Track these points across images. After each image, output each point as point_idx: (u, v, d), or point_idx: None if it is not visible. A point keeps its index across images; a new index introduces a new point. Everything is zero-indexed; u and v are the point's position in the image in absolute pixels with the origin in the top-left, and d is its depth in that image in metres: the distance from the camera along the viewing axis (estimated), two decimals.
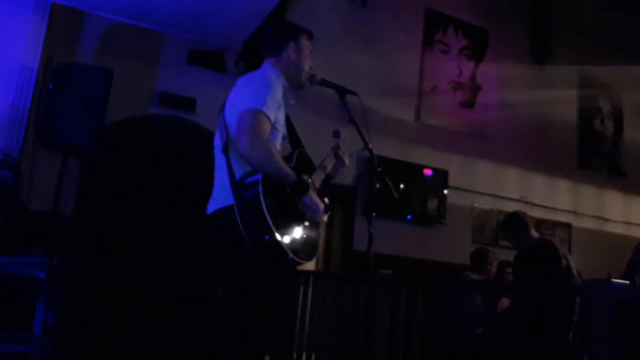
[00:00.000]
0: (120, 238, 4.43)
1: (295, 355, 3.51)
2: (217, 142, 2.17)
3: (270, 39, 2.33)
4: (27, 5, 3.58)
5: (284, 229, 1.94)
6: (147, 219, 4.54)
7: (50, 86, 3.51)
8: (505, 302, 3.80)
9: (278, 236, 1.88)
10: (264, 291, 2.06)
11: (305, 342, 3.54)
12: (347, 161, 2.44)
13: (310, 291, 3.59)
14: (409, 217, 5.79)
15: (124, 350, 4.12)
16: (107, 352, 4.05)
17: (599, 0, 6.61)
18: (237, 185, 1.97)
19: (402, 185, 5.65)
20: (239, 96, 2.11)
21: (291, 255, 1.91)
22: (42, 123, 3.56)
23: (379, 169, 2.42)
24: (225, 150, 2.07)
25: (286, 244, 1.90)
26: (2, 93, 3.41)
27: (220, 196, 2.08)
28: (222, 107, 2.20)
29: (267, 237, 1.87)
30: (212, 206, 2.13)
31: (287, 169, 2.03)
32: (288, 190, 2.04)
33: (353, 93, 2.41)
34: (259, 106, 2.00)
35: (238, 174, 2.00)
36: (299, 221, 2.06)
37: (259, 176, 1.94)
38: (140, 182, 4.61)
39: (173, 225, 4.54)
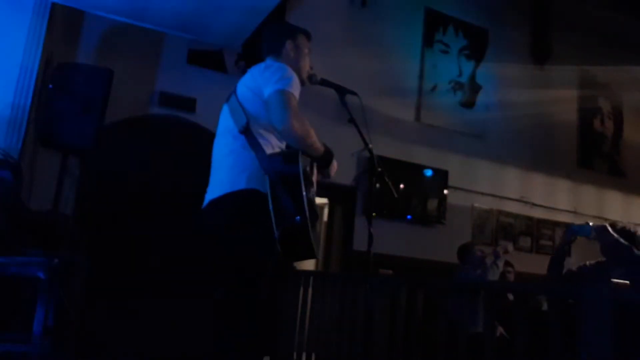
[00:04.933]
0: (121, 238, 4.43)
1: (295, 355, 3.52)
2: (229, 126, 2.15)
3: (268, 39, 2.37)
4: (27, 5, 3.58)
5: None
6: (147, 218, 4.54)
7: (50, 86, 3.51)
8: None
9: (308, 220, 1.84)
10: (271, 285, 2.05)
11: (305, 342, 3.55)
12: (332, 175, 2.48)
13: (310, 291, 3.59)
14: (409, 217, 5.79)
15: (124, 350, 4.12)
16: (107, 352, 4.05)
17: (599, 0, 6.61)
18: (270, 161, 1.95)
19: (402, 185, 5.65)
20: (262, 80, 2.10)
21: (312, 240, 1.89)
22: (42, 123, 3.56)
23: (379, 169, 2.42)
24: (245, 131, 2.05)
25: (311, 231, 1.89)
26: (2, 93, 3.41)
27: (228, 181, 2.04)
28: (232, 95, 2.20)
29: (298, 217, 1.83)
30: (217, 191, 2.08)
31: (319, 142, 2.10)
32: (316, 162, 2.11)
33: (353, 93, 2.42)
34: (289, 88, 2.03)
35: (268, 151, 2.01)
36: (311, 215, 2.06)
37: (297, 156, 1.94)
38: (140, 182, 4.61)
39: (173, 225, 4.54)
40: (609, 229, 3.06)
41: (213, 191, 2.12)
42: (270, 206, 1.83)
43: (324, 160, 2.12)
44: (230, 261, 2.05)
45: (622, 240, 2.99)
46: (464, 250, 4.80)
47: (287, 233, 1.85)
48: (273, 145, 2.10)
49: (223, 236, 2.07)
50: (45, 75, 3.74)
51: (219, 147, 2.20)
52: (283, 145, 2.16)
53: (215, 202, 2.07)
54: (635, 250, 2.95)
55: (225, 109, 2.22)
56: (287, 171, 1.90)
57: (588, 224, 3.17)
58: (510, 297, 3.86)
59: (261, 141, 2.03)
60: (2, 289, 2.91)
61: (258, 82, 2.11)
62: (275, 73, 2.08)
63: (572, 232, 3.30)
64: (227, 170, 2.09)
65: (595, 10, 6.70)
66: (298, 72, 2.30)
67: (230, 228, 2.01)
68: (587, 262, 3.35)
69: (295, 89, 2.07)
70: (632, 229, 3.13)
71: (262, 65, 2.21)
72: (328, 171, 2.29)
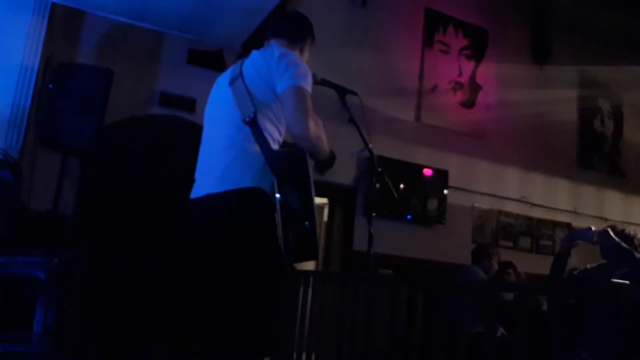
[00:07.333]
0: (120, 238, 4.43)
1: (295, 355, 3.52)
2: (231, 114, 1.96)
3: (290, 24, 2.27)
4: (27, 5, 3.59)
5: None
6: (147, 218, 4.54)
7: (50, 86, 3.51)
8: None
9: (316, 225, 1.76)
10: (275, 285, 1.94)
11: (305, 342, 3.55)
12: None
13: (310, 291, 3.59)
14: (409, 217, 5.78)
15: (124, 350, 4.11)
16: (107, 352, 4.05)
17: (599, 0, 6.61)
18: (278, 160, 1.79)
19: (402, 185, 5.65)
20: (276, 70, 1.94)
21: (318, 244, 1.84)
22: (42, 123, 3.56)
23: (379, 169, 2.41)
24: (252, 122, 1.87)
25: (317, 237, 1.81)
26: (2, 93, 3.41)
27: (231, 176, 1.87)
28: (238, 77, 2.02)
29: (307, 223, 1.74)
30: (217, 186, 1.90)
31: (327, 146, 1.97)
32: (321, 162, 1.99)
33: (353, 93, 2.41)
34: (305, 85, 1.91)
35: (273, 146, 1.86)
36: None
37: (305, 156, 1.81)
38: (140, 182, 4.61)
39: (173, 224, 4.54)
40: (611, 232, 3.08)
41: (210, 184, 1.94)
42: (278, 210, 1.73)
43: (326, 163, 2.01)
44: (230, 262, 1.99)
45: (623, 244, 3.02)
46: (481, 252, 4.69)
47: (294, 237, 1.77)
48: (274, 139, 1.94)
49: (224, 235, 1.93)
50: (45, 75, 3.74)
51: (217, 137, 2.01)
52: (281, 140, 2.01)
53: (215, 197, 1.91)
54: (636, 254, 2.98)
55: (227, 93, 2.02)
56: (296, 172, 1.78)
57: (590, 228, 3.19)
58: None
59: (266, 135, 1.87)
60: (2, 289, 2.91)
61: (271, 71, 1.93)
62: (292, 66, 1.92)
63: (574, 236, 3.33)
64: (229, 164, 1.91)
65: (594, 10, 6.70)
66: None
67: (233, 227, 1.87)
68: (589, 265, 3.36)
69: (310, 87, 1.94)
70: (631, 233, 3.17)
71: (275, 51, 2.00)
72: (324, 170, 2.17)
